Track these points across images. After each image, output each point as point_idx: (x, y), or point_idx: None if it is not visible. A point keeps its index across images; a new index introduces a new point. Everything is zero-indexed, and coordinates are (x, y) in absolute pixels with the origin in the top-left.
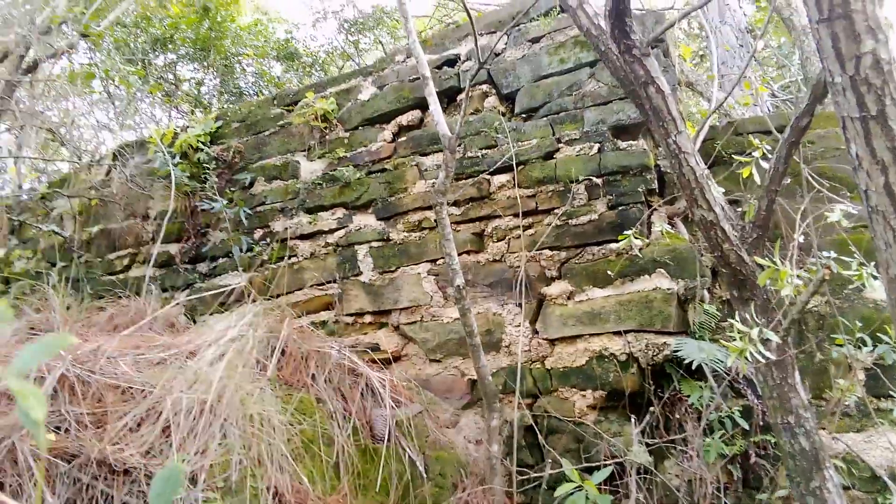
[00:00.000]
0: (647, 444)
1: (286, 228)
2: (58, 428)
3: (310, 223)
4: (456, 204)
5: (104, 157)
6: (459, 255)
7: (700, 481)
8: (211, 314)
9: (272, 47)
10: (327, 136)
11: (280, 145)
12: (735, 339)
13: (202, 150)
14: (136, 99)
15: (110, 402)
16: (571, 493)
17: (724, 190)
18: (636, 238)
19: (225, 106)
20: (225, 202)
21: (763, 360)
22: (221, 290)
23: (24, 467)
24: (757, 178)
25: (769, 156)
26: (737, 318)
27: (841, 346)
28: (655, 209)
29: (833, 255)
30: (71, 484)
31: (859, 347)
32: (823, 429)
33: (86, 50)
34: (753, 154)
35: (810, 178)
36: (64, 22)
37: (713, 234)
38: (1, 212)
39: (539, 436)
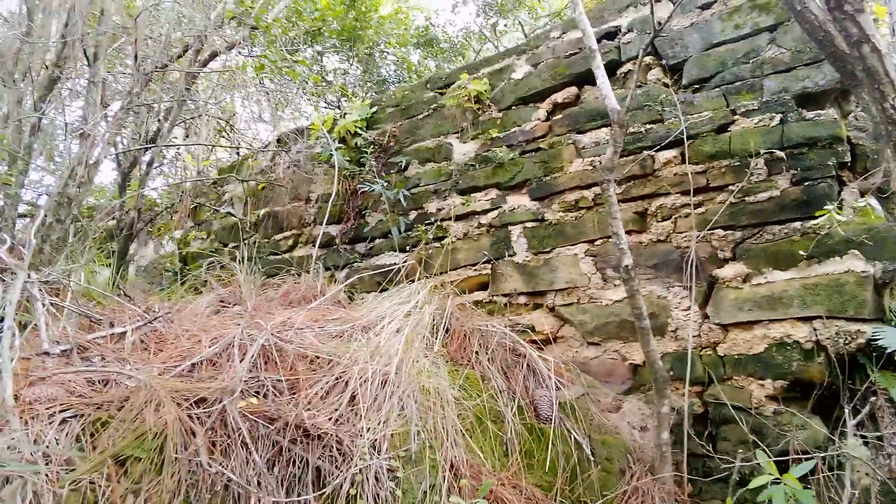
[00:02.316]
0: (857, 435)
1: (440, 209)
2: (258, 393)
3: (463, 204)
4: (617, 182)
5: (270, 143)
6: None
7: None
8: (369, 293)
9: (412, 35)
10: (480, 118)
11: (433, 128)
12: None
13: (359, 135)
14: (291, 91)
15: (301, 371)
16: (766, 487)
17: None
18: (836, 213)
19: (368, 94)
20: (383, 184)
21: None
22: (380, 269)
23: (234, 428)
24: None
25: None
26: None
27: None
28: (848, 185)
29: None
30: (271, 446)
31: None
32: None
33: (245, 45)
34: None
35: None
36: (234, 17)
37: None
38: (184, 195)
39: (711, 425)
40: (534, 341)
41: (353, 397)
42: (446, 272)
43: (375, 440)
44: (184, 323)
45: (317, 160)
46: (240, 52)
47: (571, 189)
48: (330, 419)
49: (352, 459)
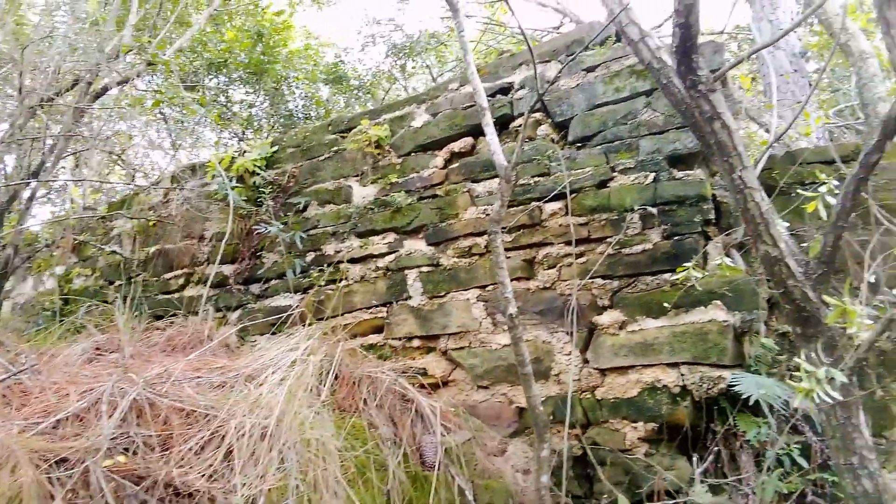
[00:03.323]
0: (701, 481)
1: (337, 252)
2: (126, 449)
3: (361, 247)
4: (507, 231)
5: (163, 179)
6: (510, 281)
7: None
8: (262, 335)
9: (321, 71)
10: (380, 162)
11: (334, 170)
12: (800, 379)
13: (258, 174)
14: (192, 122)
15: (176, 425)
16: None
17: (786, 224)
18: (695, 269)
19: (274, 128)
20: (280, 225)
21: (829, 401)
22: (274, 311)
23: (97, 489)
24: (823, 213)
25: (836, 191)
26: (800, 356)
27: None
28: (712, 240)
29: None
30: None
31: None
32: (883, 468)
33: (146, 74)
34: (820, 189)
35: (879, 215)
36: (131, 50)
37: (777, 269)
38: (66, 231)
39: (588, 467)
40: (426, 385)
41: (229, 452)
42: (342, 315)
43: (251, 496)
44: (53, 373)
45: (212, 198)
46: (135, 87)
47: (465, 236)
48: (203, 476)
49: None
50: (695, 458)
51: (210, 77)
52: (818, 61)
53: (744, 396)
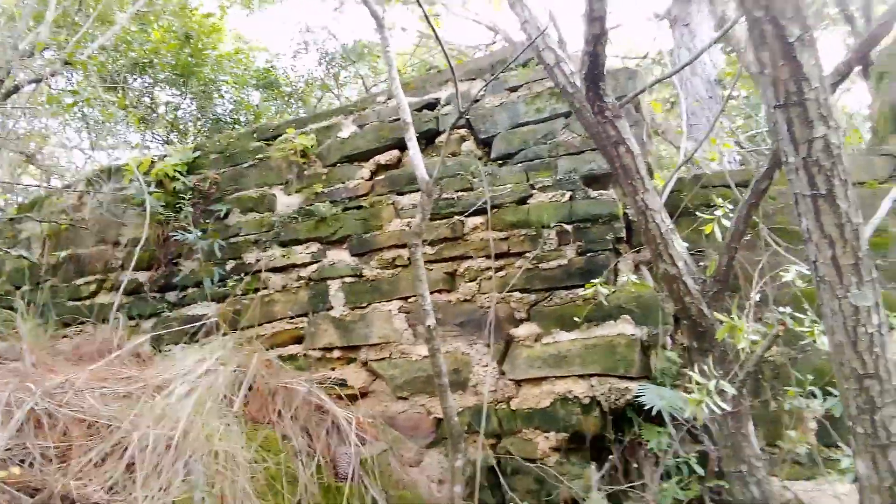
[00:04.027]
0: (606, 489)
1: (259, 260)
2: (22, 461)
3: (283, 256)
4: (430, 243)
5: (77, 182)
6: (431, 293)
7: None
8: (178, 344)
9: (252, 76)
10: (305, 172)
11: (258, 178)
12: (693, 390)
13: (178, 179)
14: (113, 122)
15: (76, 437)
16: None
17: (687, 244)
18: (602, 286)
19: (201, 132)
20: (199, 233)
21: (719, 411)
22: (191, 320)
23: None
24: (718, 235)
25: (731, 214)
26: (695, 368)
27: (793, 397)
28: (622, 257)
29: (788, 310)
30: None
31: (810, 399)
32: (775, 476)
33: (66, 73)
34: (716, 212)
35: (768, 238)
36: (48, 48)
37: (675, 287)
38: None
39: (501, 476)
40: (345, 396)
41: (131, 464)
42: (262, 325)
43: None
44: None
45: (129, 203)
46: (49, 86)
47: (389, 247)
48: (102, 488)
49: None
50: (593, 466)
51: (134, 77)
52: (735, 89)
53: (647, 407)
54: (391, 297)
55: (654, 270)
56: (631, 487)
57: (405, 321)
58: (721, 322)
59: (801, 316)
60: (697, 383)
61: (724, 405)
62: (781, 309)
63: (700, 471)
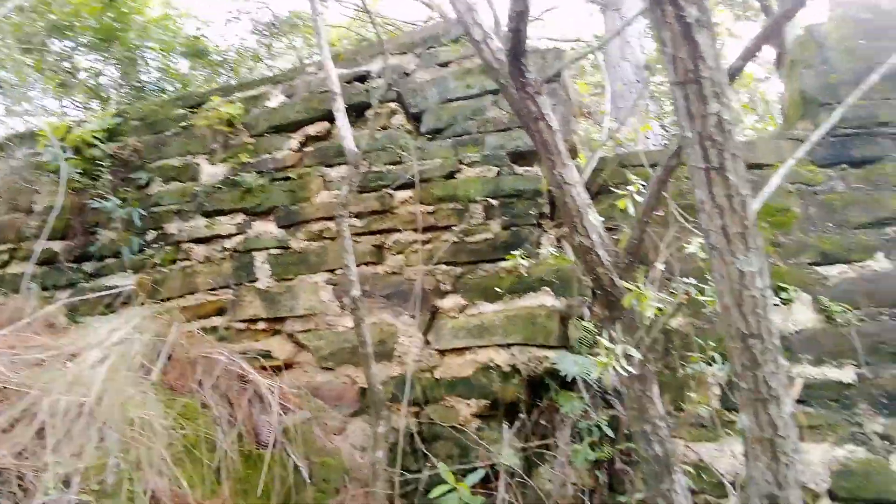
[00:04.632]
0: (523, 451)
1: (181, 231)
2: None
3: (207, 227)
4: (358, 216)
5: None
6: (359, 266)
7: (569, 485)
8: (94, 315)
9: (180, 43)
10: (231, 141)
11: (181, 147)
12: (602, 355)
13: (97, 146)
14: (28, 86)
15: None
16: (446, 495)
17: (604, 218)
18: (523, 258)
19: (125, 99)
20: (118, 201)
21: (626, 374)
22: (109, 290)
23: None
24: (631, 210)
25: (644, 190)
26: (606, 335)
27: (695, 363)
28: (545, 231)
29: (693, 280)
30: None
31: (711, 364)
32: (682, 438)
33: None
34: (629, 188)
35: (676, 213)
36: None
37: (589, 258)
38: None
39: (423, 442)
40: (270, 367)
41: (41, 430)
42: (184, 296)
43: (66, 474)
44: None
45: (44, 169)
46: None
47: (317, 219)
48: (11, 454)
49: (35, 495)
50: (505, 426)
51: (53, 40)
52: (661, 73)
53: (563, 374)
54: (318, 269)
55: (571, 242)
56: (546, 448)
57: (332, 293)
58: (630, 291)
59: (704, 286)
60: (606, 348)
61: (630, 369)
62: (686, 280)
63: (610, 433)
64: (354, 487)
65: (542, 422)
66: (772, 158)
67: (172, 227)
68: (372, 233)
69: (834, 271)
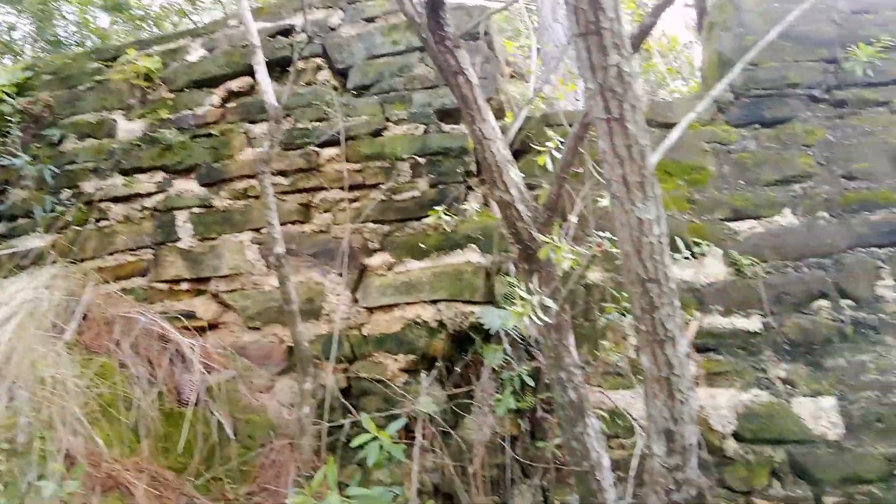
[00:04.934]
0: (450, 399)
1: (99, 189)
2: None
3: (125, 185)
4: (284, 174)
5: None
6: (285, 224)
7: (488, 433)
8: (6, 278)
9: None
10: (149, 96)
11: (96, 102)
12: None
13: (5, 101)
14: None
15: None
16: (368, 444)
17: (527, 175)
18: (447, 215)
19: (39, 55)
20: (28, 158)
21: (543, 324)
22: (21, 252)
23: None
24: (549, 166)
25: (562, 147)
26: (524, 287)
27: (610, 313)
28: (472, 189)
29: (608, 234)
30: None
31: (625, 315)
32: (599, 386)
33: None
34: (548, 144)
35: (592, 168)
36: None
37: (509, 213)
38: None
39: (351, 397)
40: (194, 328)
41: None
42: (103, 256)
43: None
44: None
45: None
46: None
47: (241, 177)
48: None
49: None
50: (423, 374)
51: None
52: None
53: (486, 328)
54: (243, 228)
55: (492, 197)
56: (471, 400)
57: (258, 252)
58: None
59: (616, 238)
60: (522, 299)
61: (547, 319)
62: (601, 233)
63: (531, 383)
64: (281, 443)
65: (468, 374)
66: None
67: (89, 186)
68: (298, 191)
69: (744, 226)
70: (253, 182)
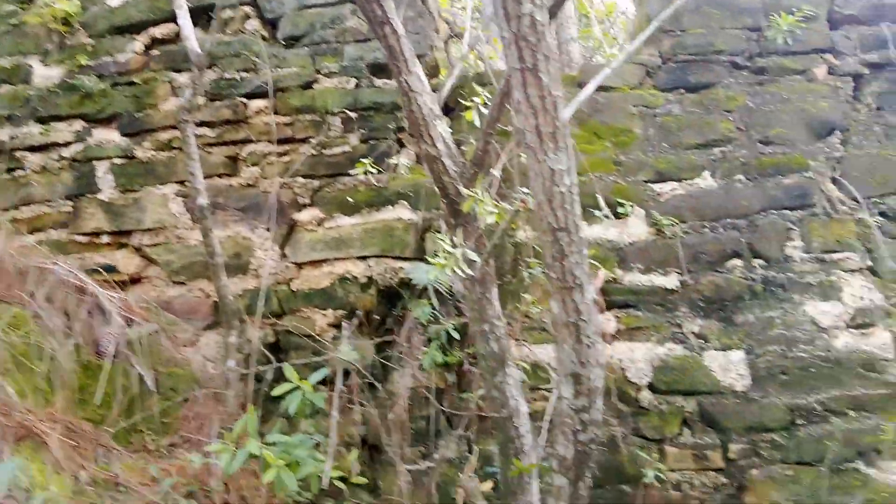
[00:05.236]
0: (378, 350)
1: (13, 138)
2: None
3: (42, 134)
4: (210, 125)
5: None
6: (212, 177)
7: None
8: None
9: None
10: (68, 42)
11: (11, 46)
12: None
13: None
14: None
15: None
16: (291, 393)
17: (456, 132)
18: (376, 168)
19: None
20: None
21: (467, 278)
22: None
23: None
24: (477, 122)
25: (489, 104)
26: (449, 241)
27: (533, 268)
28: (404, 145)
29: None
30: None
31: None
32: (525, 341)
33: None
34: (475, 100)
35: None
36: None
37: (435, 167)
38: None
39: (279, 352)
40: (115, 282)
41: None
42: (18, 208)
43: None
44: None
45: None
46: None
47: (164, 128)
48: None
49: None
50: (344, 323)
51: None
52: None
53: (415, 283)
54: (167, 180)
55: (419, 152)
56: (400, 354)
57: (183, 205)
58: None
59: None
60: (445, 252)
61: (470, 272)
62: (525, 189)
63: (457, 336)
64: (205, 397)
65: (398, 330)
66: (618, 82)
67: (2, 134)
68: (225, 143)
69: (666, 188)
70: (178, 133)
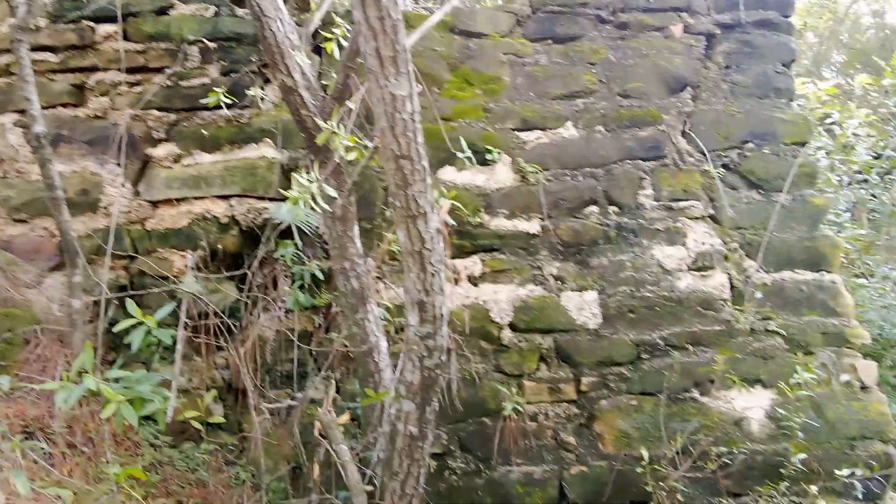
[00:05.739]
0: (240, 290)
1: None
2: None
3: None
4: (53, 50)
5: None
6: (55, 107)
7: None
8: None
9: None
10: None
11: None
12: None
13: None
14: None
15: None
16: (135, 329)
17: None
18: (233, 101)
19: None
20: None
21: (326, 214)
22: None
23: None
24: (336, 54)
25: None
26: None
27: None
28: (269, 81)
29: None
30: None
31: None
32: (394, 283)
33: None
34: (335, 31)
35: None
36: None
37: (292, 99)
38: None
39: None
40: None
41: None
42: None
43: None
44: None
45: None
46: None
47: (2, 52)
48: None
49: None
50: (189, 256)
51: None
52: None
53: (277, 222)
54: (5, 109)
55: (274, 82)
56: (265, 296)
57: (23, 136)
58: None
59: None
60: (299, 185)
61: (328, 208)
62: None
63: (321, 276)
64: (49, 339)
65: (263, 271)
66: (489, 29)
67: None
68: (70, 70)
69: (532, 137)
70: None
